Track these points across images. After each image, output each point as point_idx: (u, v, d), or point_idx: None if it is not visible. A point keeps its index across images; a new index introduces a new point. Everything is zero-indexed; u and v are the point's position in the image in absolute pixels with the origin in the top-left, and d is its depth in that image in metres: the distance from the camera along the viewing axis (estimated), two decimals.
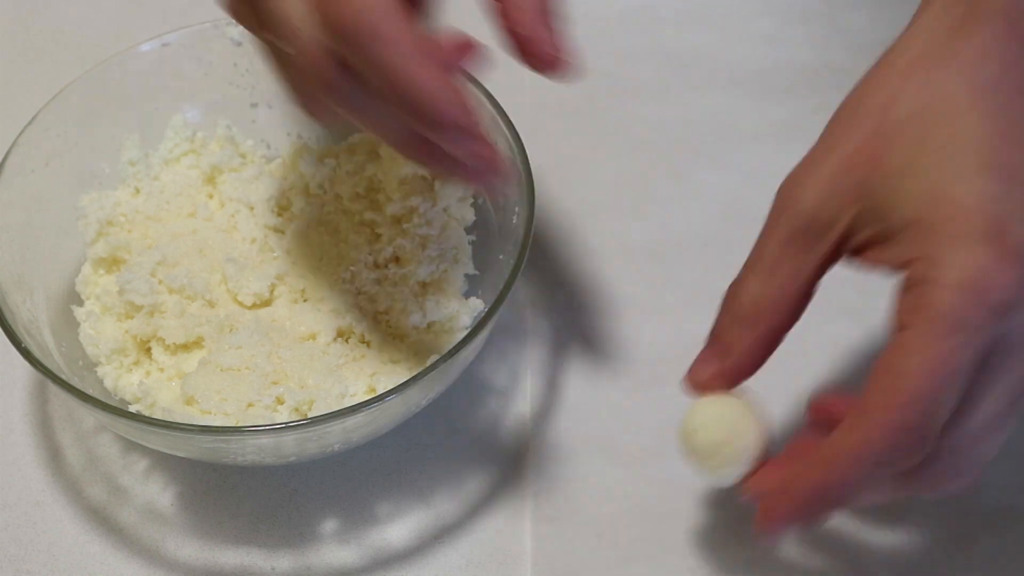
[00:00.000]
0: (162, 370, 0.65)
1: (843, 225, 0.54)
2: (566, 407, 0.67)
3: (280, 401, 0.62)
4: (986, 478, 0.63)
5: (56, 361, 0.62)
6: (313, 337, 0.65)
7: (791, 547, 0.62)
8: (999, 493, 0.63)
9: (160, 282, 0.66)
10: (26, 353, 0.59)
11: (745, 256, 0.56)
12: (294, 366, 0.63)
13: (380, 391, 0.61)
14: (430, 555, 0.62)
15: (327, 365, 0.63)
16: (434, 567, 0.62)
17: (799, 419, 0.64)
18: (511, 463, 0.65)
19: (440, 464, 0.65)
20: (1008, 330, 0.51)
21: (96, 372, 0.64)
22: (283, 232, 0.69)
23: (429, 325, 0.65)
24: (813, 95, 0.79)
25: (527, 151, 0.64)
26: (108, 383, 0.64)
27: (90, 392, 0.60)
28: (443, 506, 0.64)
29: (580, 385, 0.68)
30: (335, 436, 0.60)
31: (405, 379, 0.58)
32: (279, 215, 0.70)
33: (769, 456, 0.57)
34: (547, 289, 0.72)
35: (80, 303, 0.67)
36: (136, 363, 0.65)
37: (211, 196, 0.70)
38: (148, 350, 0.65)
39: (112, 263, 0.68)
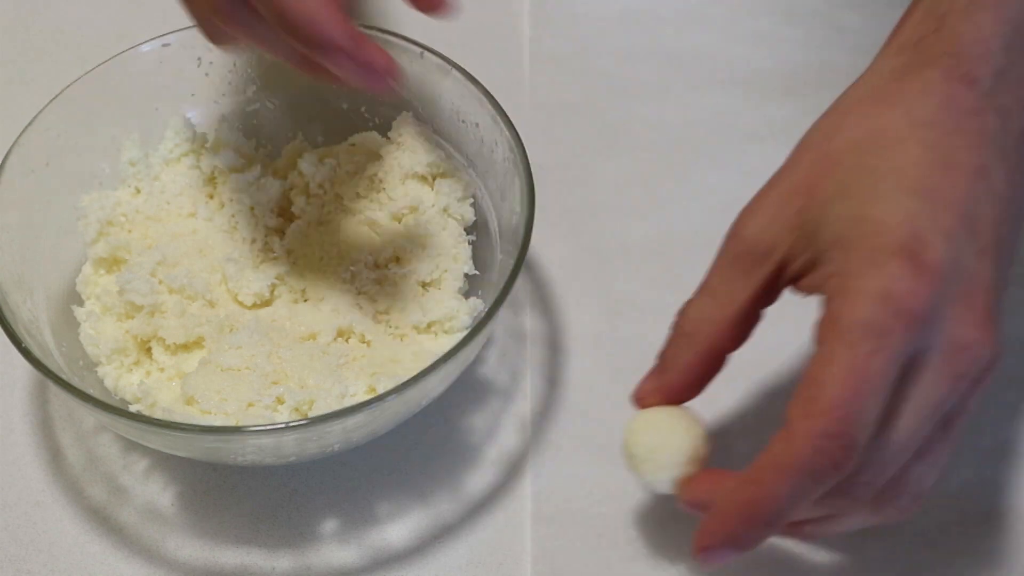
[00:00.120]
0: (162, 370, 0.65)
1: (781, 253, 0.56)
2: (566, 407, 0.67)
3: (280, 401, 0.62)
4: (987, 478, 0.64)
5: (56, 361, 0.62)
6: (313, 337, 0.65)
7: (791, 547, 0.62)
8: (999, 493, 0.63)
9: (160, 282, 0.66)
10: (26, 353, 0.59)
11: None
12: (294, 366, 0.63)
13: (380, 391, 0.61)
14: (430, 555, 0.62)
15: (327, 365, 0.63)
16: (434, 567, 0.62)
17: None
18: (511, 463, 0.65)
19: (440, 464, 0.65)
20: (926, 346, 0.52)
21: (96, 372, 0.64)
22: (283, 232, 0.69)
23: (429, 325, 0.65)
24: (813, 95, 0.79)
25: (527, 151, 0.64)
26: (108, 383, 0.64)
27: (90, 392, 0.60)
28: (443, 506, 0.64)
29: (580, 385, 0.68)
30: (335, 436, 0.60)
31: (405, 379, 0.58)
32: (279, 215, 0.70)
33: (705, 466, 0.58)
34: (547, 289, 0.72)
35: (80, 303, 0.67)
36: (136, 363, 0.65)
37: (211, 196, 0.70)
38: (148, 350, 0.65)
39: (112, 263, 0.68)
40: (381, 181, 0.69)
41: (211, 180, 0.71)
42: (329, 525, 0.64)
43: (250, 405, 0.61)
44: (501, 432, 0.66)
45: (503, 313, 0.61)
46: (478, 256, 0.67)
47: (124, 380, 0.64)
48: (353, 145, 0.71)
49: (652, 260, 0.73)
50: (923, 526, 0.61)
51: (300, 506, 0.64)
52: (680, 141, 0.78)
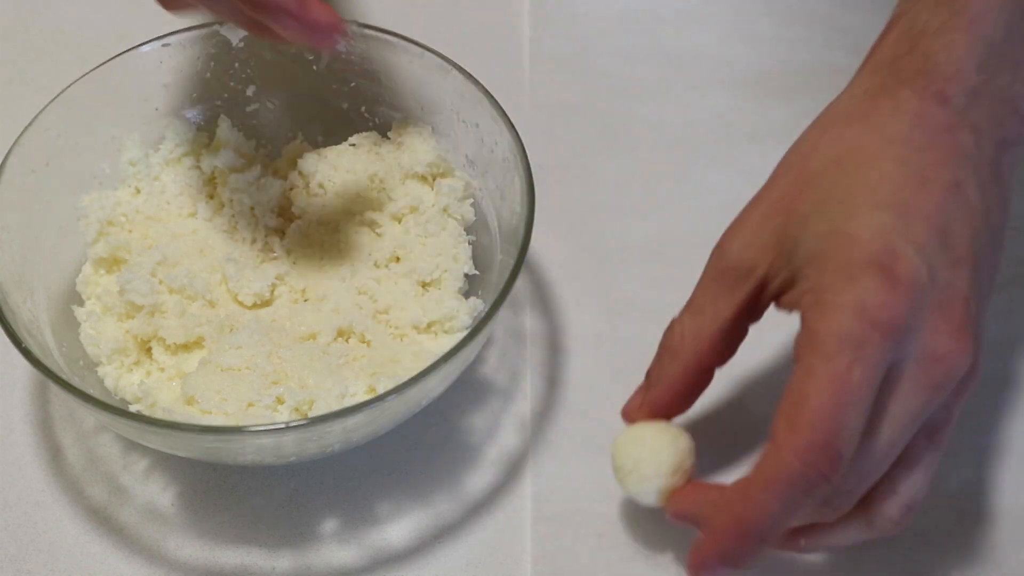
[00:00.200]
0: (163, 370, 0.65)
1: (762, 270, 0.57)
2: (566, 407, 0.67)
3: (280, 401, 0.62)
4: (987, 478, 0.64)
5: (57, 361, 0.62)
6: (313, 337, 0.65)
7: None
8: (999, 493, 0.63)
9: (160, 282, 0.66)
10: (27, 353, 0.59)
11: None
12: (294, 366, 0.63)
13: (380, 391, 0.61)
14: (430, 555, 0.62)
15: (327, 365, 0.63)
16: (434, 567, 0.62)
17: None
18: (511, 463, 0.65)
19: (440, 464, 0.65)
20: (902, 357, 0.52)
21: (97, 372, 0.64)
22: (283, 232, 0.69)
23: (429, 325, 0.65)
24: (813, 95, 0.79)
25: (527, 151, 0.64)
26: (109, 383, 0.64)
27: (91, 392, 0.60)
28: (443, 506, 0.64)
29: (580, 385, 0.68)
30: (335, 436, 0.60)
31: (405, 379, 0.58)
32: (279, 215, 0.70)
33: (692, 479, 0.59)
34: (547, 289, 0.72)
35: (81, 303, 0.67)
36: (137, 363, 0.65)
37: (211, 196, 0.70)
38: (149, 350, 0.65)
39: (113, 263, 0.68)
40: (381, 181, 0.69)
41: (211, 180, 0.71)
42: (329, 525, 0.64)
43: (250, 405, 0.61)
44: (501, 432, 0.66)
45: (503, 313, 0.61)
46: (478, 256, 0.67)
47: (124, 380, 0.64)
48: (353, 145, 0.71)
49: (652, 260, 0.73)
50: (923, 526, 0.61)
51: (300, 506, 0.64)
52: (680, 141, 0.78)
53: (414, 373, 0.58)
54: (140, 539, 0.63)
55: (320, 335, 0.65)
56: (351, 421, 0.58)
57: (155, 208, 0.69)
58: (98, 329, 0.65)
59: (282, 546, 0.63)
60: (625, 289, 0.71)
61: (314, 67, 0.71)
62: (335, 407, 0.60)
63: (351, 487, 0.65)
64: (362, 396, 0.62)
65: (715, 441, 0.64)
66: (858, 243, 0.53)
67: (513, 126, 0.65)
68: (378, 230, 0.68)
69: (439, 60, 0.68)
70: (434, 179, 0.69)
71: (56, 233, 0.67)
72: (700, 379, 0.60)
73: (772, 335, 0.60)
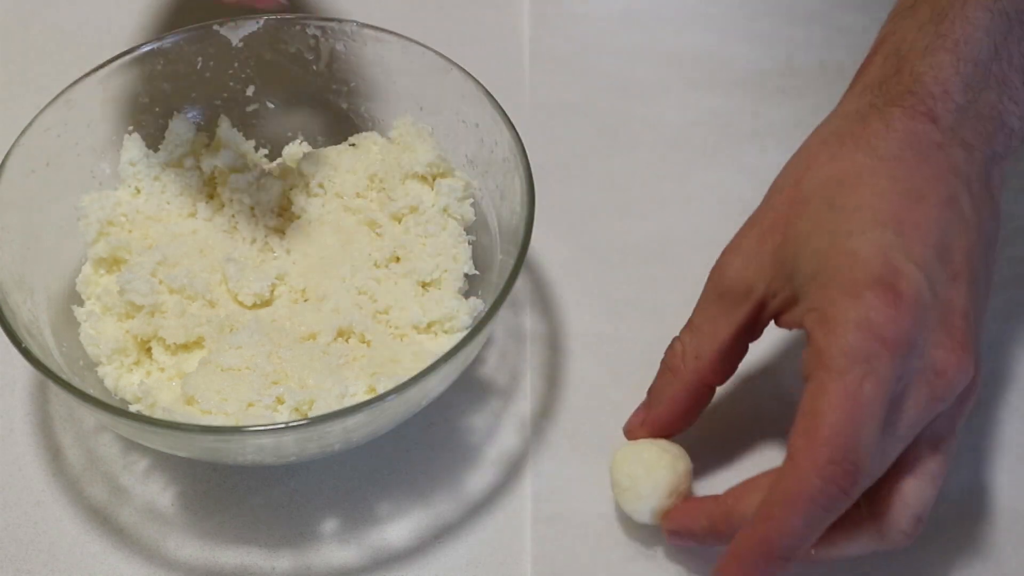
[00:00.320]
0: (162, 370, 0.65)
1: (760, 291, 0.58)
2: (566, 407, 0.67)
3: (280, 401, 0.62)
4: (987, 478, 0.64)
5: (57, 361, 0.62)
6: (313, 337, 0.65)
7: None
8: (999, 493, 0.63)
9: (160, 282, 0.66)
10: (27, 353, 0.59)
11: None
12: (294, 366, 0.63)
13: (380, 391, 0.61)
14: (430, 555, 0.62)
15: (327, 365, 0.63)
16: (434, 567, 0.62)
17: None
18: (511, 463, 0.65)
19: (440, 464, 0.65)
20: (905, 372, 0.53)
21: (97, 372, 0.64)
22: (283, 232, 0.69)
23: (429, 325, 0.65)
24: (813, 95, 0.79)
25: (527, 151, 0.64)
26: (109, 383, 0.64)
27: (90, 392, 0.60)
28: (443, 506, 0.64)
29: (580, 385, 0.68)
30: (335, 436, 0.60)
31: (405, 379, 0.58)
32: (279, 215, 0.70)
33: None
34: (547, 289, 0.72)
35: (81, 303, 0.67)
36: (137, 363, 0.65)
37: (211, 196, 0.70)
38: (148, 350, 0.65)
39: (113, 263, 0.68)
40: (381, 181, 0.69)
41: (211, 180, 0.71)
42: (329, 525, 0.64)
43: (250, 405, 0.61)
44: (501, 432, 0.66)
45: (503, 313, 0.61)
46: (478, 256, 0.67)
47: (124, 380, 0.64)
48: (353, 145, 0.71)
49: (652, 260, 0.72)
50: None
51: (300, 506, 0.64)
52: (680, 141, 0.78)
53: (414, 373, 0.58)
54: (140, 539, 0.63)
55: (320, 335, 0.65)
56: (351, 421, 0.58)
57: (155, 208, 0.69)
58: (98, 329, 0.65)
59: (282, 546, 0.63)
60: (625, 289, 0.71)
61: (314, 67, 0.71)
62: (335, 407, 0.60)
63: (351, 487, 0.65)
64: (362, 396, 0.62)
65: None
66: (859, 261, 0.54)
67: (513, 126, 0.65)
68: (378, 230, 0.68)
69: (439, 60, 0.68)
70: (434, 179, 0.69)
71: (56, 233, 0.67)
72: (700, 397, 0.61)
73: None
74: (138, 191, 0.70)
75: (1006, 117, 0.58)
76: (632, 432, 0.63)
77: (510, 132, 0.65)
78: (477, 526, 0.63)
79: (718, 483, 0.63)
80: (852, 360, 0.52)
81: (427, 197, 0.69)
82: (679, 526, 0.59)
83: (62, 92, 0.67)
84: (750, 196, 0.62)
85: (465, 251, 0.67)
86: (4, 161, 0.65)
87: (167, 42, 0.70)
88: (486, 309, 0.62)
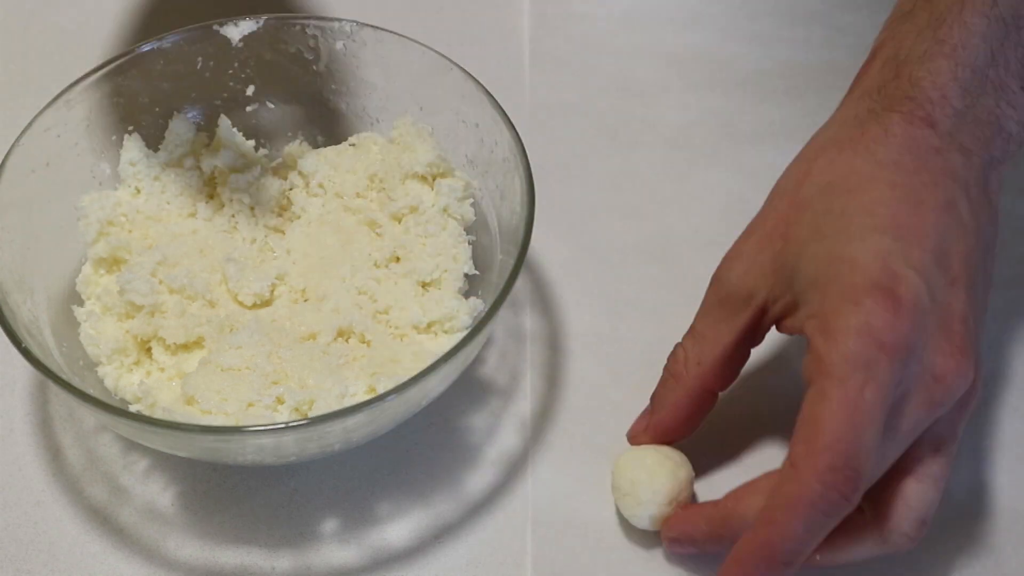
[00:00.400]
0: (162, 370, 0.65)
1: (761, 297, 0.58)
2: (566, 407, 0.67)
3: (280, 401, 0.62)
4: (987, 478, 0.64)
5: (57, 361, 0.62)
6: (313, 337, 0.65)
7: None
8: (999, 493, 0.63)
9: (160, 282, 0.66)
10: (27, 353, 0.59)
11: None
12: (294, 366, 0.63)
13: (380, 391, 0.61)
14: (430, 555, 0.62)
15: (327, 365, 0.63)
16: (434, 567, 0.62)
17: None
18: (511, 463, 0.65)
19: (440, 464, 0.65)
20: (904, 377, 0.53)
21: (97, 372, 0.64)
22: (283, 232, 0.69)
23: (429, 325, 0.65)
24: (813, 95, 0.79)
25: (527, 151, 0.64)
26: (109, 383, 0.64)
27: (90, 392, 0.60)
28: (443, 506, 0.64)
29: (580, 385, 0.68)
30: (335, 436, 0.60)
31: (405, 379, 0.58)
32: (279, 215, 0.70)
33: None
34: (547, 289, 0.72)
35: (81, 303, 0.67)
36: (136, 363, 0.65)
37: (211, 196, 0.70)
38: (148, 350, 0.65)
39: (113, 263, 0.68)
40: (381, 181, 0.69)
41: (211, 180, 0.71)
42: (329, 525, 0.64)
43: (250, 405, 0.61)
44: (501, 432, 0.66)
45: (503, 313, 0.61)
46: (478, 256, 0.67)
47: (124, 380, 0.64)
48: (353, 145, 0.71)
49: (652, 260, 0.72)
50: None
51: (300, 506, 0.64)
52: (680, 141, 0.78)
53: (414, 373, 0.58)
54: (140, 539, 0.63)
55: (320, 335, 0.65)
56: (351, 421, 0.58)
57: (155, 208, 0.69)
58: (98, 329, 0.65)
59: (282, 546, 0.63)
60: (625, 289, 0.71)
61: (314, 67, 0.71)
62: (335, 407, 0.60)
63: (351, 487, 0.65)
64: (362, 396, 0.62)
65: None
66: (858, 267, 0.54)
67: (513, 126, 0.65)
68: (378, 230, 0.68)
69: (439, 60, 0.68)
70: (434, 179, 0.69)
71: (56, 233, 0.67)
72: (703, 403, 0.62)
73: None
74: (138, 191, 0.70)
75: (1004, 122, 0.58)
76: (635, 438, 0.63)
77: (510, 132, 0.65)
78: (477, 526, 0.63)
79: (718, 486, 0.63)
80: (852, 366, 0.52)
81: (427, 197, 0.69)
82: (678, 532, 0.59)
83: (62, 92, 0.67)
84: (750, 196, 0.62)
85: (465, 251, 0.67)
86: (4, 161, 0.65)
87: (167, 42, 0.70)
88: (486, 309, 0.62)
